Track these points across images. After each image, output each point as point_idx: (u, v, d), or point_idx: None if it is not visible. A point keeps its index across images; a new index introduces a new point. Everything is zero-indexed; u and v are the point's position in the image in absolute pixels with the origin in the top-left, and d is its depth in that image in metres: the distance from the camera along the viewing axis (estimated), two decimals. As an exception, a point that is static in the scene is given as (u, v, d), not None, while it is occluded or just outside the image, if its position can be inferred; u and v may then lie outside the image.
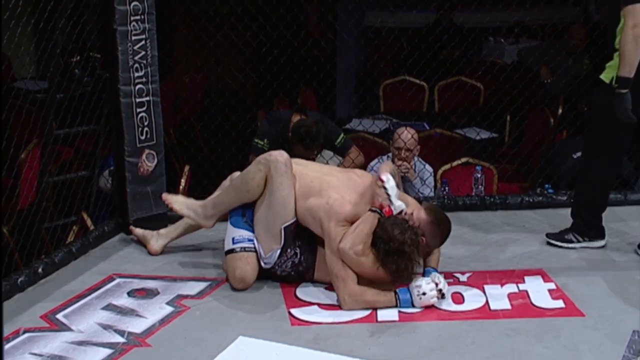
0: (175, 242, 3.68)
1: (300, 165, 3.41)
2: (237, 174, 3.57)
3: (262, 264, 3.30)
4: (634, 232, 3.88)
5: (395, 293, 3.12)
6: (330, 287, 3.27)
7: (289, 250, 3.28)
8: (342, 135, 4.55)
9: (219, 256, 3.48)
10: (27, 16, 3.45)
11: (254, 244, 3.31)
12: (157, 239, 3.66)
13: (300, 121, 4.40)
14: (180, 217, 3.66)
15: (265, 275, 3.34)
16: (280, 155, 3.30)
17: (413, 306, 3.10)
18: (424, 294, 3.09)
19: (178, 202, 3.52)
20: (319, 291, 3.26)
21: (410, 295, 3.10)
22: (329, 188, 3.24)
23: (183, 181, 4.47)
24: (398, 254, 3.07)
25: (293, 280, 3.32)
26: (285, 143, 4.46)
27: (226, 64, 5.75)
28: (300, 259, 3.29)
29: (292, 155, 4.41)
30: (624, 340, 2.84)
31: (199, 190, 3.53)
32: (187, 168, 4.57)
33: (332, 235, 3.13)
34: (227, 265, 3.35)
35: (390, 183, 3.17)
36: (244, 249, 3.30)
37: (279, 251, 3.27)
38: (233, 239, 3.33)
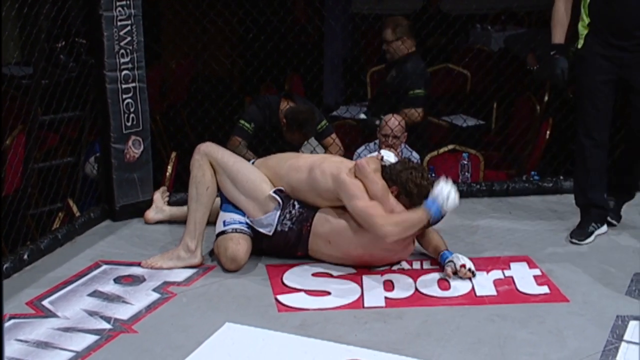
0: (162, 228, 3.69)
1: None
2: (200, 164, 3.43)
3: (265, 232, 3.33)
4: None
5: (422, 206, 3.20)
6: (317, 273, 3.30)
7: (288, 206, 3.33)
8: (324, 121, 4.56)
9: (206, 244, 3.48)
10: (11, 1, 3.42)
11: (245, 226, 3.33)
12: (156, 211, 3.82)
13: (295, 108, 4.37)
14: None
15: (253, 260, 3.35)
16: (202, 144, 3.44)
17: (443, 212, 3.18)
18: (448, 198, 3.15)
19: (162, 259, 3.35)
20: (306, 278, 3.27)
21: (437, 202, 3.16)
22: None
23: (170, 168, 4.45)
24: (411, 169, 3.24)
25: (290, 239, 3.33)
26: (272, 129, 4.44)
27: (213, 50, 5.71)
28: (299, 210, 3.33)
29: (283, 140, 4.43)
30: (608, 326, 2.87)
31: (185, 177, 3.51)
32: (173, 154, 4.55)
33: (347, 183, 3.21)
34: (217, 247, 3.35)
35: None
36: (235, 230, 3.32)
37: (278, 211, 3.32)
38: (224, 221, 3.37)
